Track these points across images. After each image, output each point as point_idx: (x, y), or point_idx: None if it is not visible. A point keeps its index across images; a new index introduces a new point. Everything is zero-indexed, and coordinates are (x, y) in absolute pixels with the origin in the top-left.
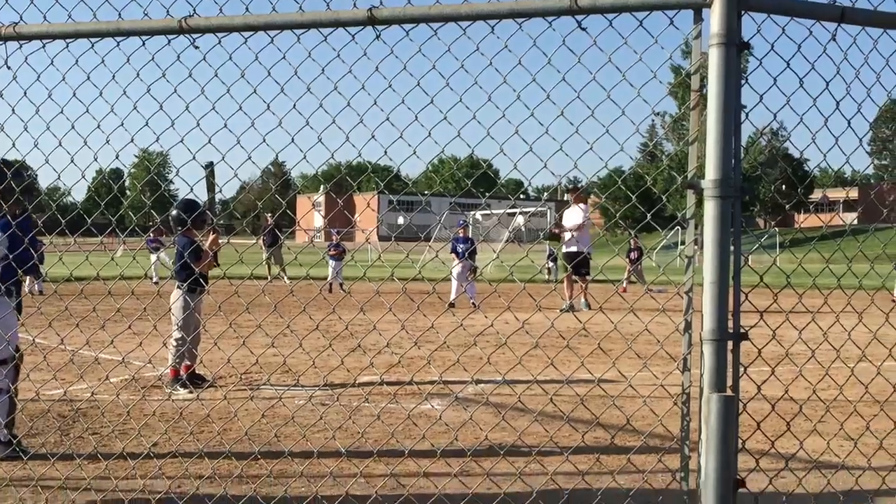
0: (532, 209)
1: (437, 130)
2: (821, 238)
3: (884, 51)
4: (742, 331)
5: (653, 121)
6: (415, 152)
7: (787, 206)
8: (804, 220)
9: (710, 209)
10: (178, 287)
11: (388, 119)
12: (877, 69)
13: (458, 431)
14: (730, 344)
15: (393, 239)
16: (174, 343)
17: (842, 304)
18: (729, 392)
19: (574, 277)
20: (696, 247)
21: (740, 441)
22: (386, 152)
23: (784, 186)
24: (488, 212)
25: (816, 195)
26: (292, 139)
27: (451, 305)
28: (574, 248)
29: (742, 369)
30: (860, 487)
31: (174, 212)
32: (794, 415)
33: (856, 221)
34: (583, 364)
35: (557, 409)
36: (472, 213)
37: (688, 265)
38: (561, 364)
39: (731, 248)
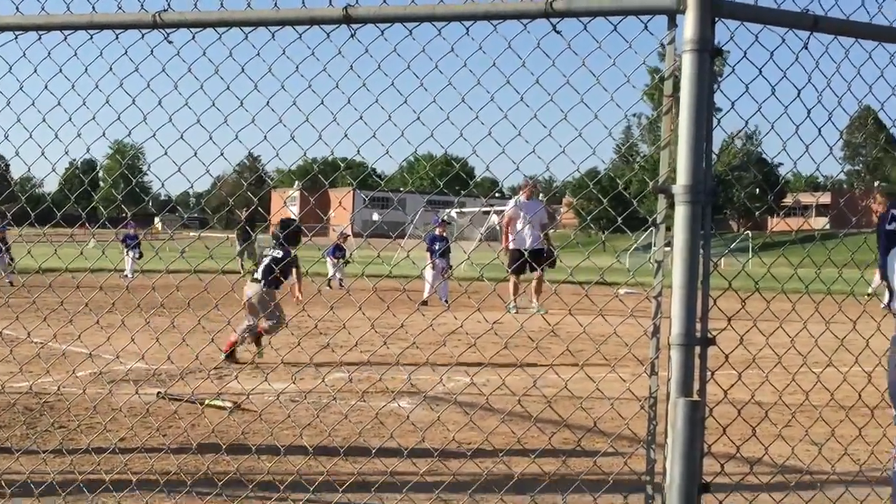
0: (506, 208)
1: (411, 130)
2: (791, 243)
3: (855, 60)
4: (710, 336)
5: (629, 122)
6: (387, 152)
7: (757, 213)
8: (776, 225)
9: (680, 214)
10: (257, 282)
11: (361, 118)
12: (848, 78)
13: (425, 431)
14: (697, 349)
15: (364, 237)
16: (245, 327)
17: (810, 309)
18: (696, 397)
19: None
20: (666, 250)
21: (706, 445)
22: (359, 151)
23: (757, 190)
24: (463, 210)
25: (789, 200)
26: (265, 136)
27: (424, 304)
28: (539, 246)
29: (709, 374)
30: (824, 494)
31: (276, 227)
32: (760, 420)
33: (828, 226)
34: (551, 366)
35: (525, 410)
36: (448, 211)
37: (657, 269)
38: (530, 365)
39: (701, 252)
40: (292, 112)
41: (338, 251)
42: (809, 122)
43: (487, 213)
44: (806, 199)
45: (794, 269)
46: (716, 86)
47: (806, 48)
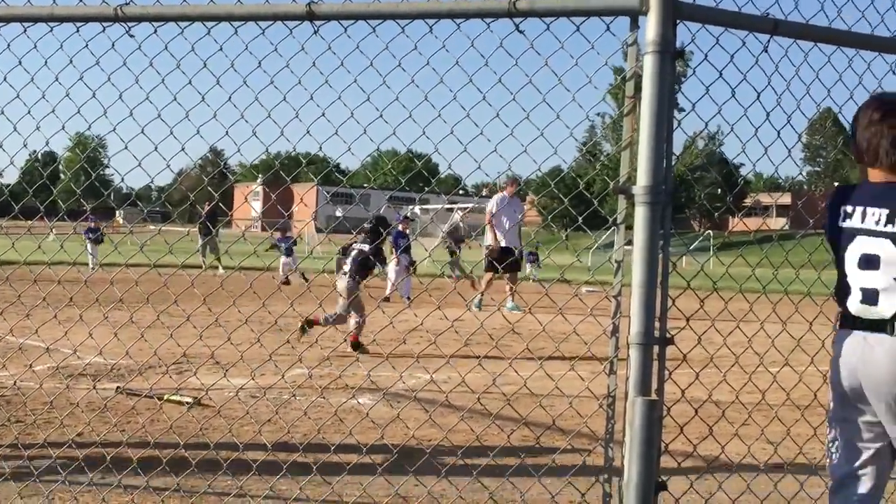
0: (470, 205)
1: (374, 126)
2: (749, 244)
3: (815, 63)
4: (668, 335)
5: (592, 122)
6: (349, 149)
7: (716, 214)
8: (736, 225)
9: (640, 214)
10: (350, 277)
11: (323, 115)
12: (807, 81)
13: (385, 428)
14: (656, 348)
15: (325, 233)
16: (355, 321)
17: (768, 309)
18: (654, 396)
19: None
20: (627, 250)
21: (664, 444)
22: (321, 147)
23: (719, 190)
24: (426, 207)
25: (749, 200)
26: (227, 132)
27: (386, 300)
28: (489, 242)
29: (667, 373)
30: (779, 492)
31: (368, 225)
32: (717, 419)
33: (787, 227)
34: (511, 365)
35: (485, 407)
36: (412, 207)
37: (617, 269)
38: (490, 363)
39: (660, 253)
40: (255, 108)
41: (283, 242)
42: (769, 124)
43: (451, 210)
44: (766, 199)
45: (752, 270)
46: (678, 87)
47: (766, 51)
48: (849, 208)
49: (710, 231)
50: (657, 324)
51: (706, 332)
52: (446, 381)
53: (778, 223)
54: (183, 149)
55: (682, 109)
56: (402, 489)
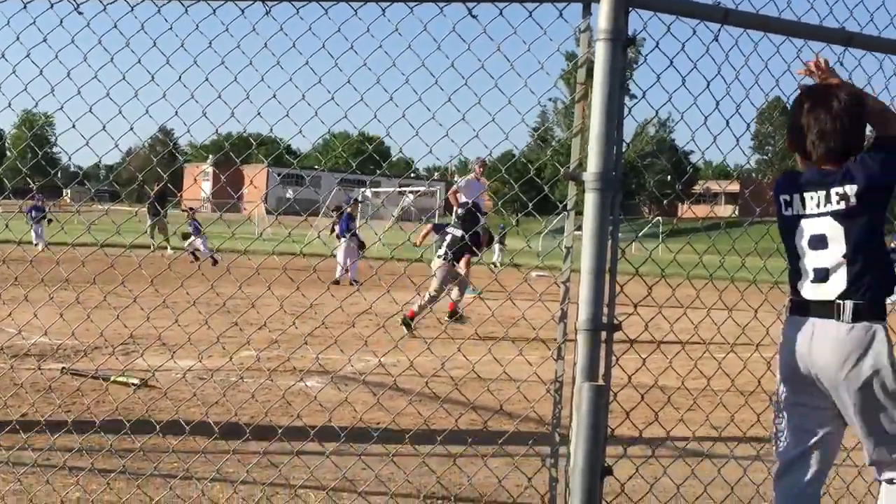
0: (421, 188)
1: (326, 109)
2: (697, 231)
3: (764, 53)
4: (616, 321)
5: (543, 107)
6: (300, 131)
7: (664, 201)
8: (686, 211)
9: (590, 201)
10: (445, 259)
11: (274, 96)
12: (757, 70)
13: (333, 412)
14: (603, 334)
15: (275, 216)
16: (429, 297)
17: (714, 296)
18: (601, 381)
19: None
20: (577, 235)
21: (610, 429)
22: (272, 129)
23: (669, 177)
24: (377, 189)
25: (699, 187)
26: (176, 112)
27: (336, 283)
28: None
29: (615, 359)
30: (723, 478)
31: (461, 211)
32: (663, 404)
33: (736, 214)
34: (459, 349)
35: (433, 391)
36: (363, 190)
37: (566, 255)
38: (439, 347)
39: (609, 239)
40: (205, 88)
41: (193, 225)
42: (718, 113)
43: (402, 193)
44: (716, 187)
45: (700, 257)
46: (629, 74)
47: (716, 40)
48: (788, 197)
49: (659, 217)
50: (605, 310)
51: (654, 319)
52: (395, 364)
53: (727, 210)
54: (132, 128)
55: (633, 96)
56: (350, 472)
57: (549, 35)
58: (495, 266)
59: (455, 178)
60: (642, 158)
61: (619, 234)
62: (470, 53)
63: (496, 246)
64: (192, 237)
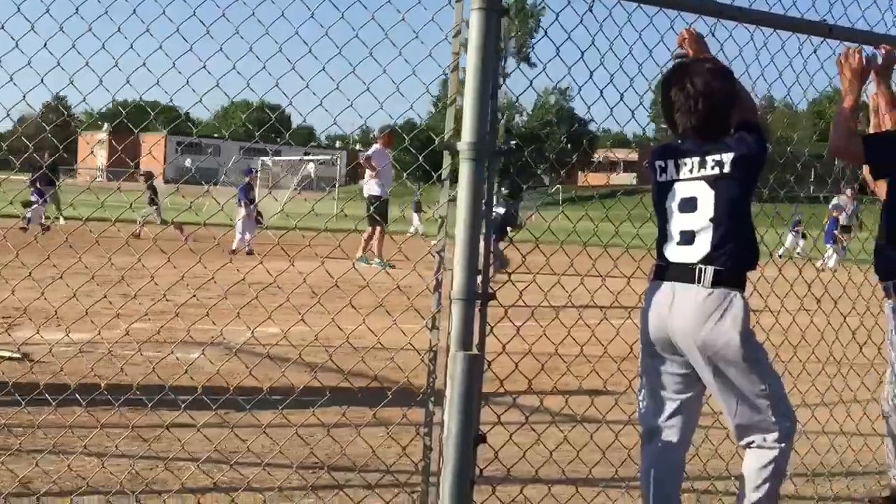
0: (323, 157)
1: (228, 77)
2: (590, 198)
3: (660, 27)
4: (491, 290)
5: (447, 76)
6: (201, 100)
7: (563, 171)
8: (587, 179)
9: (464, 171)
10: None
11: (174, 65)
12: (651, 45)
13: (204, 383)
14: (478, 303)
15: (177, 187)
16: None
17: (590, 264)
18: (475, 350)
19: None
20: (452, 205)
21: (484, 397)
22: (172, 99)
23: (569, 145)
24: (279, 159)
25: (599, 156)
26: (71, 81)
27: (233, 253)
28: (377, 192)
29: (489, 328)
30: (595, 443)
31: (505, 190)
32: (537, 372)
33: (635, 182)
34: (333, 320)
35: (305, 362)
36: (264, 159)
37: (440, 225)
38: (314, 317)
39: (484, 209)
40: (102, 55)
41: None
42: (614, 85)
43: (304, 162)
44: (618, 154)
45: (574, 225)
46: (530, 43)
47: (611, 16)
48: (664, 163)
49: (559, 186)
50: (479, 279)
51: (528, 288)
52: (270, 335)
53: (627, 179)
54: (24, 97)
55: (533, 65)
56: (222, 445)
57: (423, 4)
58: (420, 235)
59: (357, 147)
60: (543, 127)
61: (522, 203)
62: (373, 23)
63: (415, 216)
64: (35, 203)
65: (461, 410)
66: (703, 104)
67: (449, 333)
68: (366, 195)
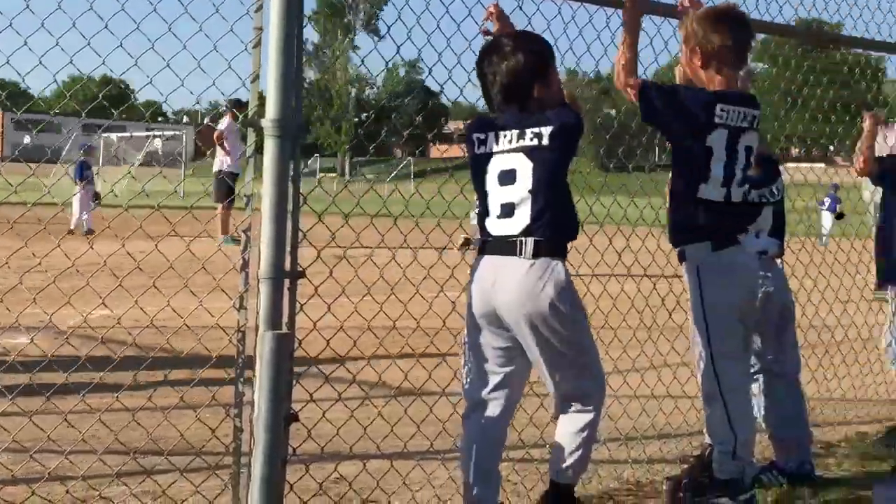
0: (171, 132)
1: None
2: (443, 170)
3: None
4: (299, 268)
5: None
6: (40, 62)
7: (419, 149)
8: (446, 152)
9: (269, 148)
10: None
11: (10, 26)
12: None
13: (35, 372)
14: (287, 282)
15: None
16: None
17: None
18: (284, 329)
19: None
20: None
21: (296, 376)
22: (9, 61)
23: (421, 118)
24: (124, 134)
25: (451, 128)
26: None
27: (70, 233)
28: (230, 168)
29: (299, 306)
30: (409, 416)
31: None
32: (349, 348)
33: None
34: (136, 302)
35: (107, 347)
36: (107, 135)
37: (247, 203)
38: (114, 300)
39: (290, 186)
40: None
41: None
42: (461, 65)
43: (148, 137)
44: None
45: (358, 200)
46: (378, 13)
47: None
48: (483, 136)
49: (410, 158)
50: (288, 257)
51: (338, 264)
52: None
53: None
54: None
55: (381, 37)
56: (20, 435)
57: None
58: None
59: (207, 122)
60: (392, 99)
61: (372, 176)
62: None
63: None
64: None
65: (270, 389)
66: (506, 78)
67: (257, 313)
68: (216, 170)
